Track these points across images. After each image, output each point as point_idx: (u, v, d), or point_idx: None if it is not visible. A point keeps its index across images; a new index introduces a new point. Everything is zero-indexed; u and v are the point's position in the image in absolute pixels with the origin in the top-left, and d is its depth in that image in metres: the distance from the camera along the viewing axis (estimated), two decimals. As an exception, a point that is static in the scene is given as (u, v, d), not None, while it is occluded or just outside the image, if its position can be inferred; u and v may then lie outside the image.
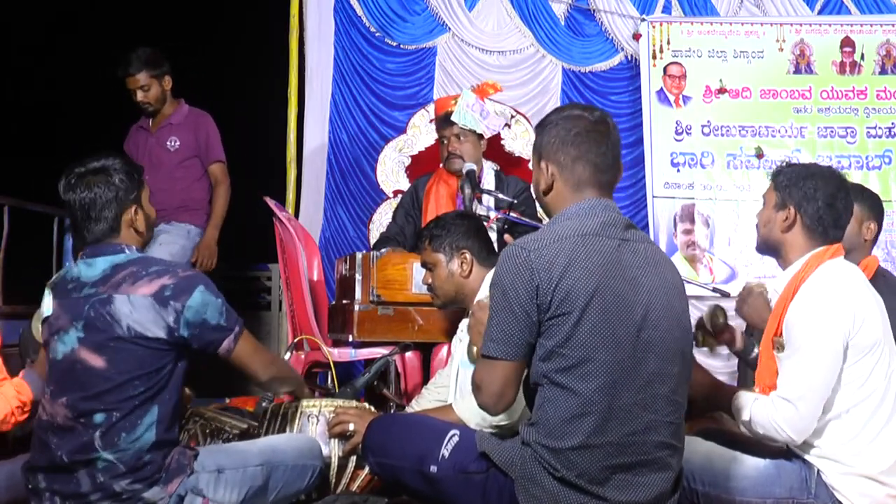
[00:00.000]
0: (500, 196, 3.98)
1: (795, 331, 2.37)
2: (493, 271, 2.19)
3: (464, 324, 3.14)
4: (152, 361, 2.27)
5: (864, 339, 2.35)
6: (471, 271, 3.11)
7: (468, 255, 3.11)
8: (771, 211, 2.57)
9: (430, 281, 3.19)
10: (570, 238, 2.08)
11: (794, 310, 2.41)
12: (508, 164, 4.59)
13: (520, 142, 4.96)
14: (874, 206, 3.23)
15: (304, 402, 2.76)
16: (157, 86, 4.66)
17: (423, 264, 3.21)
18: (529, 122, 5.01)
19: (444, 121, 4.20)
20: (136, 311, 2.26)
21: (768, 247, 2.61)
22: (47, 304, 2.40)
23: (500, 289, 2.10)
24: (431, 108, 5.21)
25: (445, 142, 4.19)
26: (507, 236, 3.78)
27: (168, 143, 4.70)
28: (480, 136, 4.19)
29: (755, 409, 2.38)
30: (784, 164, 2.66)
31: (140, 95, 4.66)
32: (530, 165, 2.37)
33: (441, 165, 4.29)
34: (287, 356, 3.61)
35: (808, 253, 2.49)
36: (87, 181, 2.35)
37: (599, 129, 2.19)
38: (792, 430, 2.33)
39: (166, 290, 2.28)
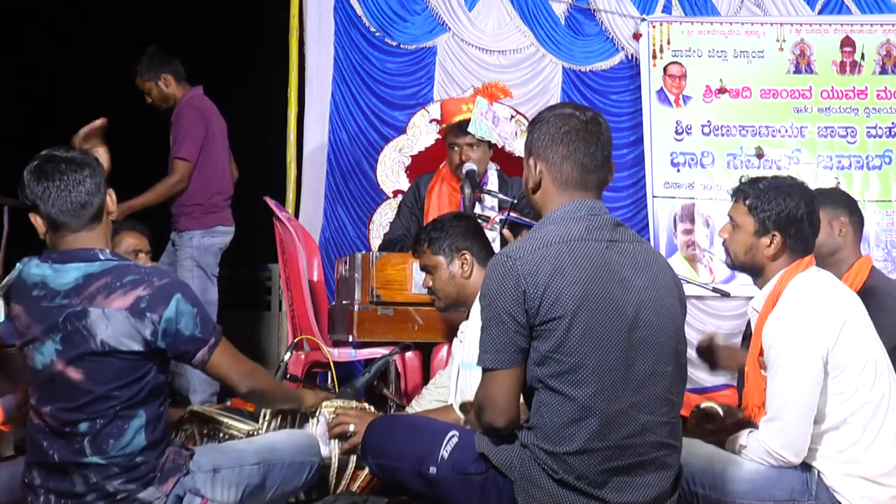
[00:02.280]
0: (501, 196, 3.97)
1: (773, 352, 2.37)
2: None
3: (464, 325, 3.14)
4: (131, 372, 2.22)
5: (843, 353, 2.33)
6: (471, 272, 3.10)
7: (468, 256, 3.10)
8: (750, 237, 2.50)
9: (430, 284, 3.18)
10: (556, 244, 2.08)
11: (770, 329, 2.40)
12: (509, 164, 4.59)
13: (520, 142, 4.95)
14: (835, 202, 3.12)
15: (304, 403, 2.74)
16: (156, 88, 4.65)
17: (423, 268, 3.20)
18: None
19: (457, 128, 4.09)
20: (112, 325, 2.19)
21: (747, 269, 2.57)
22: (1, 311, 2.34)
23: (488, 298, 2.10)
24: (432, 108, 5.21)
25: (457, 148, 4.08)
26: (505, 231, 3.78)
27: (170, 142, 4.66)
28: (492, 144, 4.17)
29: (750, 439, 2.40)
30: (744, 180, 2.57)
31: (147, 100, 4.70)
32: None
33: (440, 167, 4.29)
34: (287, 356, 3.61)
35: (782, 269, 2.47)
36: (72, 166, 2.30)
37: (590, 128, 2.18)
38: (784, 450, 2.33)
39: (142, 302, 2.21)
